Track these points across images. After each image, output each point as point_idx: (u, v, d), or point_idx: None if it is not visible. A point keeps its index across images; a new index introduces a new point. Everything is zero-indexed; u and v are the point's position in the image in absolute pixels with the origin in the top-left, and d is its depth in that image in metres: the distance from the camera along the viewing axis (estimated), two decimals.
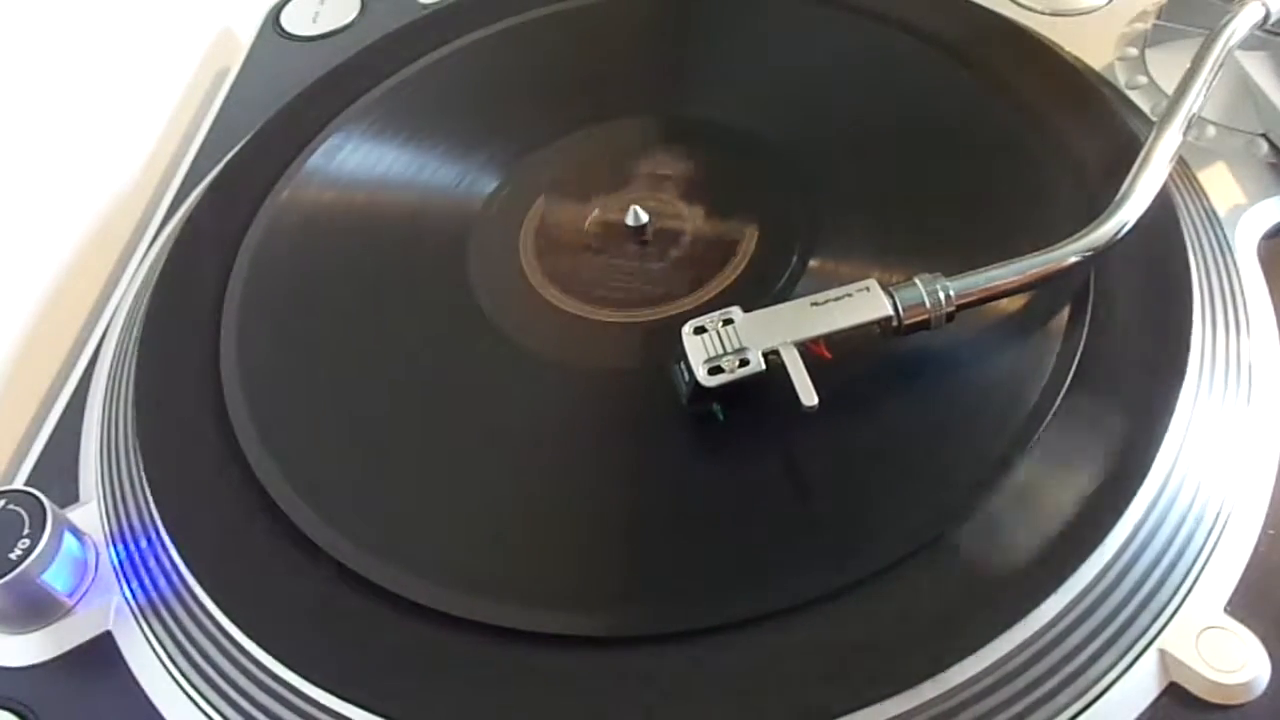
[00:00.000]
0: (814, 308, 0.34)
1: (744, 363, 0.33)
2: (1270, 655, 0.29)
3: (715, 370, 0.33)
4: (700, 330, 0.34)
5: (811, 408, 0.32)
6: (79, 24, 0.52)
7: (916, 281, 0.34)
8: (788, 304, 0.35)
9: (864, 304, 0.34)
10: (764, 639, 0.30)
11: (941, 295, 0.34)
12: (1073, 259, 0.34)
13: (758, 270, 0.40)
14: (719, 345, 0.34)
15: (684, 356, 0.34)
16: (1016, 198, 0.40)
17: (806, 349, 0.33)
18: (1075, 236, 0.35)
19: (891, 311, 0.34)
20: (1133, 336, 0.35)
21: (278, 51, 0.58)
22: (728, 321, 0.34)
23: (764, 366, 0.33)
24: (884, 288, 0.34)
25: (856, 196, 0.42)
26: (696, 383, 0.33)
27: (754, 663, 0.30)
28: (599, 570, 0.33)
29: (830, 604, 0.30)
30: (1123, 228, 0.35)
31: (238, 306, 0.42)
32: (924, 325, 0.34)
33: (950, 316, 0.34)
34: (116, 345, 0.44)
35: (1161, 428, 0.32)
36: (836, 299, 0.34)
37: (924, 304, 0.34)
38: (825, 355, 0.34)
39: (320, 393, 0.39)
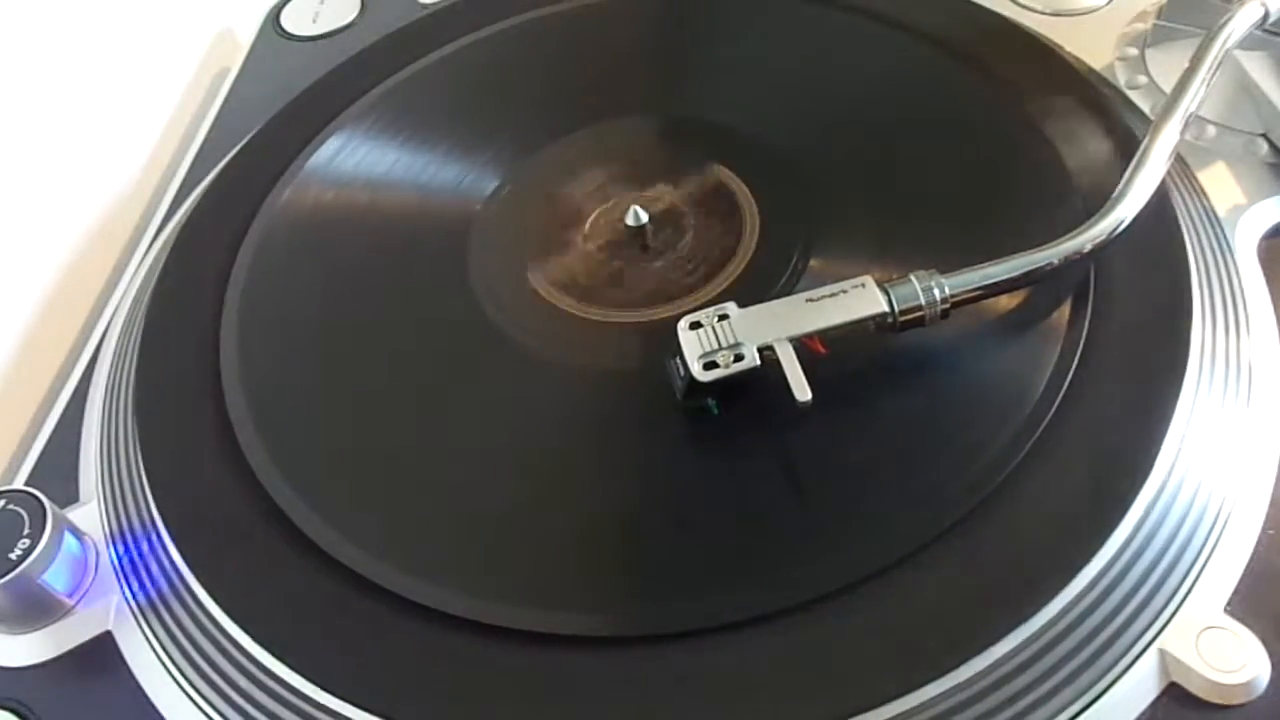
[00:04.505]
0: (809, 304, 0.34)
1: (739, 358, 0.33)
2: (1270, 655, 0.29)
3: (710, 365, 0.33)
4: (696, 325, 0.34)
5: (806, 404, 0.32)
6: (79, 25, 0.52)
7: (912, 278, 0.34)
8: (782, 300, 0.35)
9: (859, 300, 0.34)
10: (764, 639, 0.30)
11: (936, 292, 0.34)
12: (1068, 256, 0.34)
13: (758, 270, 0.40)
14: (714, 340, 0.34)
15: (679, 351, 0.34)
16: (1017, 197, 0.40)
17: (802, 345, 0.33)
18: (1072, 234, 0.35)
19: (886, 308, 0.34)
20: (1133, 336, 0.35)
21: (278, 51, 0.58)
22: (723, 317, 0.34)
23: (758, 362, 0.33)
24: (879, 284, 0.34)
25: (857, 196, 0.42)
26: (691, 378, 0.33)
27: (753, 663, 0.30)
28: (599, 570, 0.33)
29: (830, 604, 0.30)
30: (1120, 225, 0.35)
31: (238, 306, 0.42)
32: (919, 322, 0.34)
33: (945, 314, 0.34)
34: (116, 345, 0.44)
35: (1161, 428, 0.32)
36: (832, 295, 0.34)
37: (919, 300, 0.34)
38: (821, 351, 0.34)
39: (320, 393, 0.39)
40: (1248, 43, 0.41)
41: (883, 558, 0.31)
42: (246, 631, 0.33)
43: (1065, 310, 0.36)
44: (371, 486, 0.36)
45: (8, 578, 0.33)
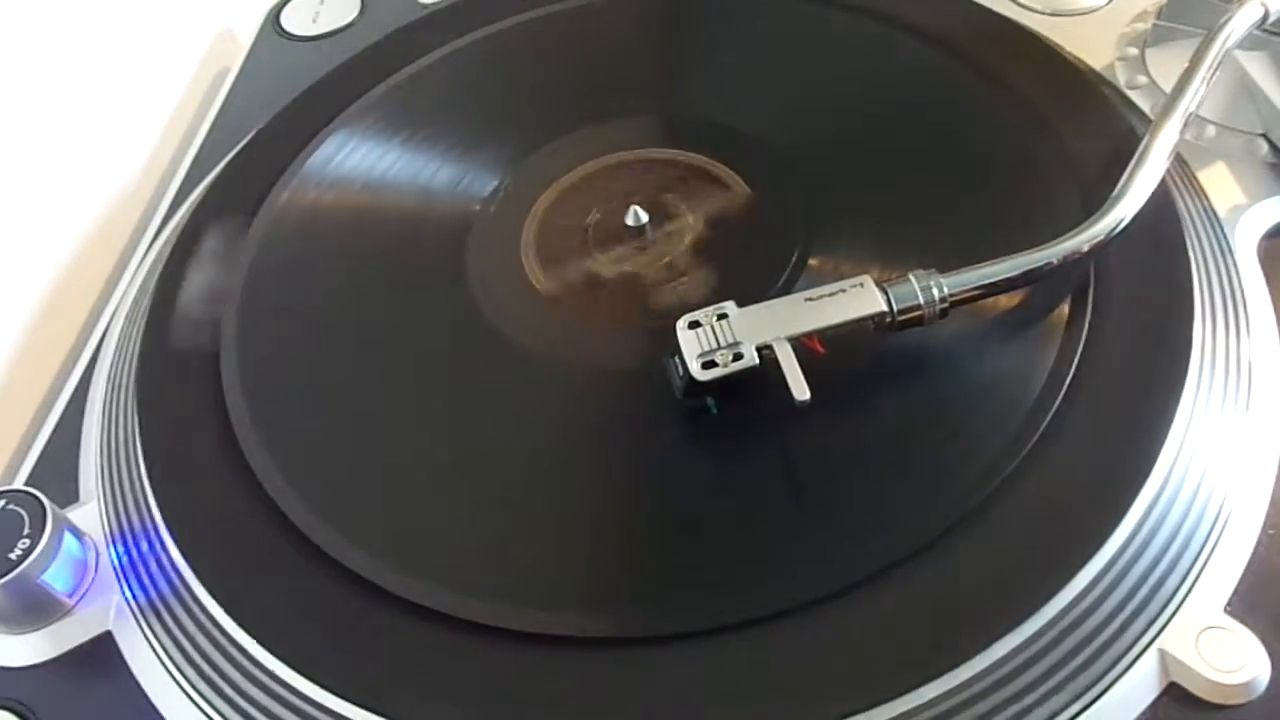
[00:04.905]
0: (808, 303, 0.34)
1: (738, 357, 0.33)
2: (1270, 655, 0.29)
3: (709, 364, 0.33)
4: (694, 325, 0.34)
5: (804, 403, 0.32)
6: (79, 24, 0.52)
7: (910, 278, 0.34)
8: (781, 299, 0.35)
9: (857, 299, 0.34)
10: (764, 639, 0.30)
11: (935, 291, 0.34)
12: (1067, 256, 0.34)
13: (758, 269, 0.40)
14: (713, 340, 0.34)
15: (678, 350, 0.34)
16: (1017, 198, 0.40)
17: (800, 344, 0.33)
18: (1071, 233, 0.35)
19: (885, 307, 0.34)
20: (1133, 336, 0.35)
21: (278, 51, 0.58)
22: (722, 316, 0.34)
23: (757, 361, 0.33)
24: (878, 283, 0.34)
25: (857, 196, 0.42)
26: (690, 377, 0.33)
27: (754, 663, 0.30)
28: (598, 570, 0.33)
29: (830, 604, 0.30)
30: (1119, 224, 0.35)
31: (238, 307, 0.42)
32: (918, 321, 0.34)
33: (944, 313, 0.34)
34: (116, 345, 0.44)
35: (1162, 428, 0.32)
36: (830, 295, 0.34)
37: (917, 300, 0.34)
38: (819, 350, 0.34)
39: (320, 393, 0.39)
40: (1248, 43, 0.41)
41: (882, 558, 0.31)
42: (246, 631, 0.33)
43: (1065, 310, 0.36)
44: (371, 486, 0.36)
45: (8, 578, 0.33)
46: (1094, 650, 0.30)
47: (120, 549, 0.37)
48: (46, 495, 0.35)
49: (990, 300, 0.35)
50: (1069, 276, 0.36)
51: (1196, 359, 0.34)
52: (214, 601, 0.34)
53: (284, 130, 0.49)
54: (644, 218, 0.42)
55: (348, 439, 0.38)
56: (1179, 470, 0.32)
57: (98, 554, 0.37)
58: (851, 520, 0.33)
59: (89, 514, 0.38)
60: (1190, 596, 0.31)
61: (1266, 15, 0.40)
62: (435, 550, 0.34)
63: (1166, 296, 0.35)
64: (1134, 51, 0.46)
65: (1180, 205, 0.38)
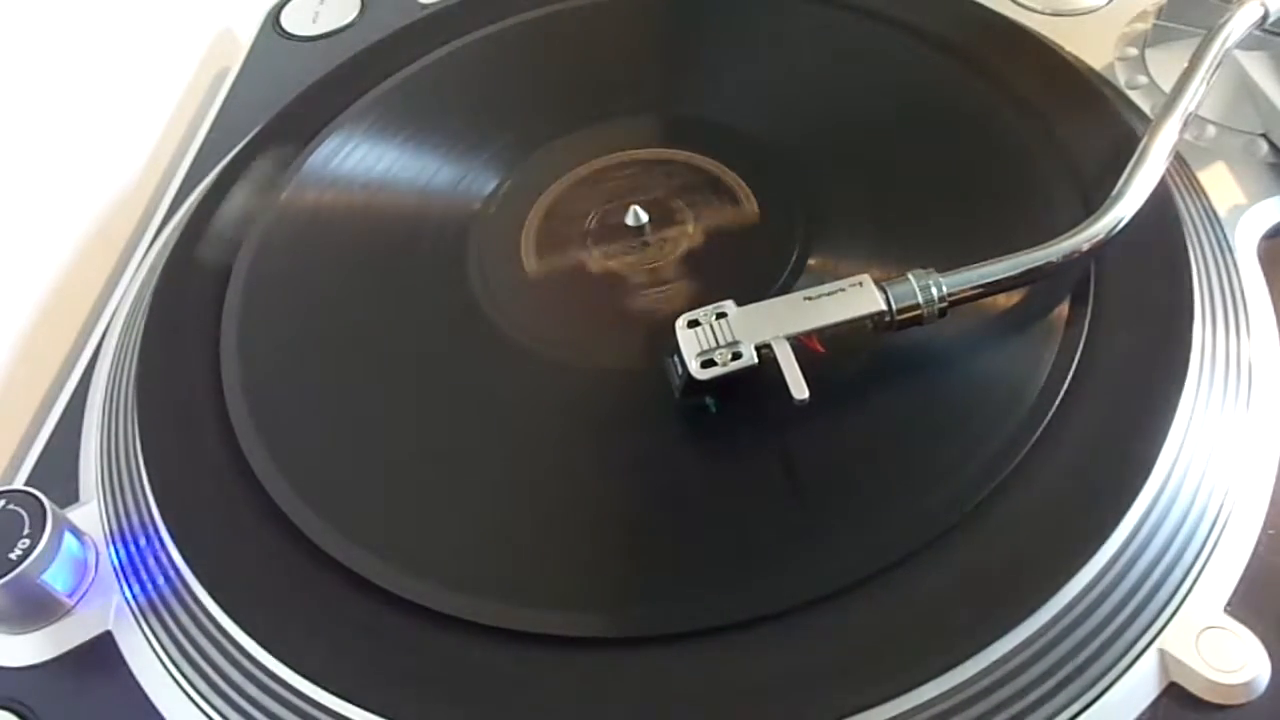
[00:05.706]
0: (807, 302, 0.34)
1: (736, 356, 0.33)
2: (1270, 655, 0.29)
3: (708, 363, 0.33)
4: (694, 324, 0.34)
5: (803, 402, 0.32)
6: (79, 24, 0.52)
7: (909, 277, 0.34)
8: (780, 298, 0.35)
9: (857, 299, 0.34)
10: (764, 639, 0.30)
11: (934, 291, 0.34)
12: (1067, 255, 0.34)
13: (758, 269, 0.40)
14: (712, 339, 0.34)
15: (677, 350, 0.34)
16: (1017, 198, 0.40)
17: (799, 343, 0.33)
18: (1070, 233, 0.35)
19: (884, 306, 0.34)
20: (1133, 336, 0.35)
21: (278, 51, 0.58)
22: (721, 315, 0.34)
23: (756, 360, 0.33)
24: (877, 283, 0.34)
25: (857, 195, 0.42)
26: (689, 376, 0.33)
27: (754, 663, 0.30)
28: (599, 570, 0.33)
29: (829, 604, 0.30)
30: (1118, 224, 0.35)
31: (238, 307, 0.42)
32: (917, 321, 0.34)
33: (943, 312, 0.34)
34: (116, 345, 0.44)
35: (1162, 428, 0.32)
36: (829, 293, 0.34)
37: (916, 299, 0.34)
38: (819, 350, 0.34)
39: (321, 392, 0.39)
40: (1248, 43, 0.41)
41: (882, 557, 0.31)
42: (246, 631, 0.33)
43: (1065, 310, 0.36)
44: (371, 486, 0.36)
45: (8, 578, 0.33)
46: (1094, 650, 0.30)
47: (120, 549, 0.37)
48: (46, 495, 0.35)
49: (990, 300, 0.35)
50: (1068, 276, 0.36)
51: (1196, 359, 0.34)
52: (214, 602, 0.34)
53: (284, 130, 0.49)
54: (644, 218, 0.42)
55: (348, 439, 0.38)
56: (1179, 470, 0.32)
57: (98, 554, 0.37)
58: (851, 520, 0.33)
59: (89, 514, 0.38)
60: (1190, 596, 0.31)
61: (1266, 15, 0.40)
62: (435, 550, 0.34)
63: (1166, 296, 0.35)
64: (1134, 51, 0.46)
65: (1180, 205, 0.38)
